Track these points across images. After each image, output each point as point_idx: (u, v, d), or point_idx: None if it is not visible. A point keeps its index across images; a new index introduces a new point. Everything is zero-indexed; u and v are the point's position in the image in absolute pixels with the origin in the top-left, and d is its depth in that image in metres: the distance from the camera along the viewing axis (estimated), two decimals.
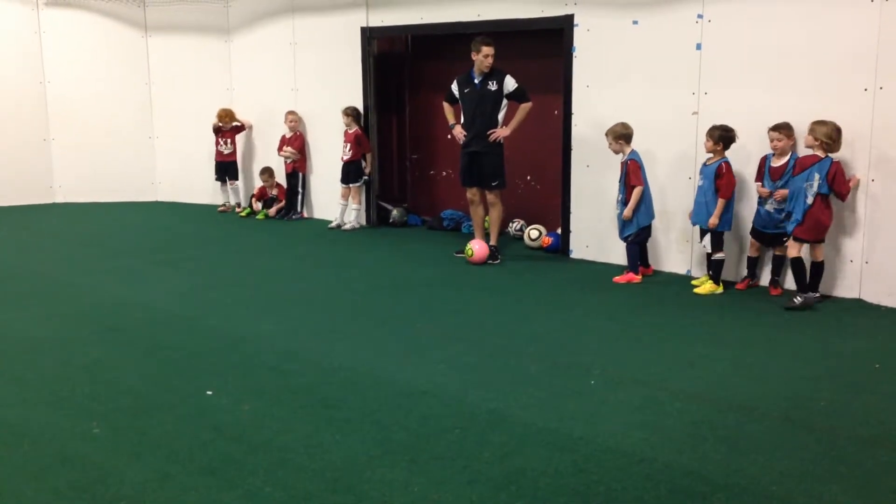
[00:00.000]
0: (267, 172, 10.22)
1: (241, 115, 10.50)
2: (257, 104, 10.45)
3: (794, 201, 5.79)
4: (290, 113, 9.82)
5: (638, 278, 6.63)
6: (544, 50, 8.05)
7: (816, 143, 5.71)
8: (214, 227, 9.59)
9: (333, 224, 9.42)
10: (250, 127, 10.57)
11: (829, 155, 5.70)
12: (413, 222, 9.60)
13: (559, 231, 7.85)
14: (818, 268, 5.90)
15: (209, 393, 4.26)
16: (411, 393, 4.25)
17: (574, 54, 7.39)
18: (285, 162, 9.90)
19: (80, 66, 11.08)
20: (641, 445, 3.62)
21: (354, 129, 9.15)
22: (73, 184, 11.26)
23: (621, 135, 6.61)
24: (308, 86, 9.86)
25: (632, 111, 6.93)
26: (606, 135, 6.69)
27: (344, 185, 9.30)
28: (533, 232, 8.15)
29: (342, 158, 9.24)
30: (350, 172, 9.24)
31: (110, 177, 11.27)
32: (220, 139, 10.44)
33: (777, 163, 6.08)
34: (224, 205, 10.61)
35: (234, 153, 10.53)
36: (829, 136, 5.66)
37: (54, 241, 8.81)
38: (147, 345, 5.12)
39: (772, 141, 6.03)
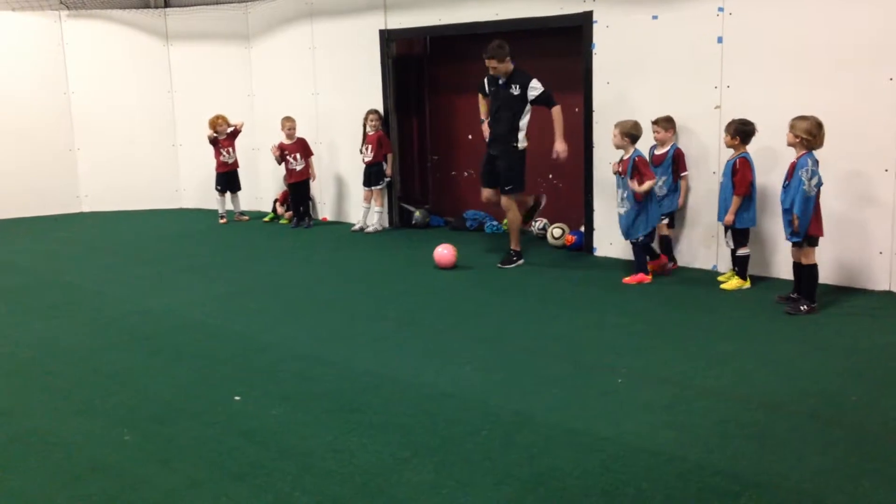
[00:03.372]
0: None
1: (233, 121, 10.34)
2: (277, 109, 10.50)
3: (798, 207, 5.43)
4: (287, 119, 9.70)
5: (648, 278, 6.53)
6: (563, 48, 8.02)
7: (797, 141, 5.46)
8: (237, 234, 9.65)
9: (356, 227, 9.45)
10: (240, 129, 10.41)
11: (812, 151, 5.44)
12: (436, 223, 9.61)
13: (582, 229, 7.82)
14: (814, 271, 5.65)
15: (237, 399, 4.29)
16: (436, 396, 4.26)
17: (594, 51, 7.36)
18: (290, 171, 9.74)
19: (103, 76, 11.20)
20: (669, 444, 3.60)
21: (376, 131, 9.16)
22: (99, 193, 11.39)
23: (629, 133, 6.41)
24: (328, 89, 9.90)
25: (654, 107, 6.89)
26: (616, 126, 6.51)
27: (366, 188, 9.32)
28: (556, 231, 8.12)
29: (364, 161, 9.26)
30: (372, 175, 9.26)
31: (135, 185, 11.39)
32: (219, 149, 10.25)
33: (659, 151, 6.79)
34: (223, 217, 10.38)
35: (236, 161, 10.39)
36: (810, 131, 5.40)
37: (82, 249, 8.92)
38: (174, 352, 5.17)
39: (654, 133, 6.73)
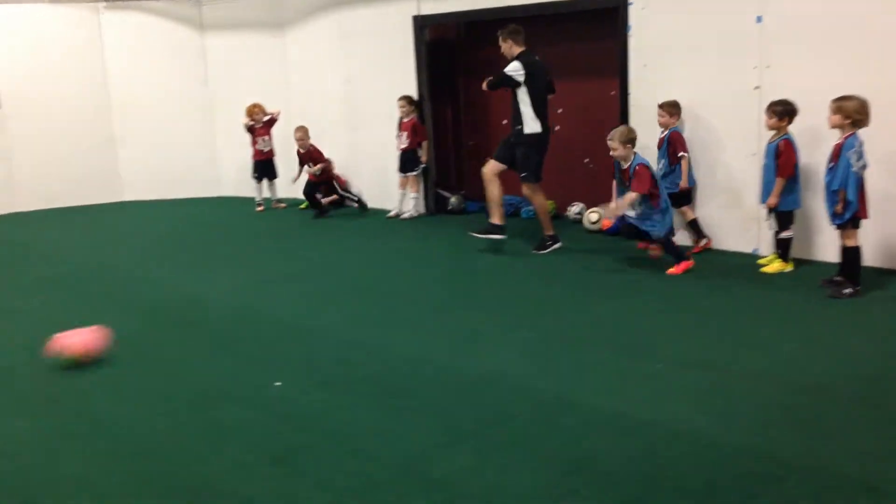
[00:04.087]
0: (326, 163, 10.31)
1: (269, 110, 10.40)
2: (312, 97, 10.55)
3: (851, 190, 5.29)
4: (299, 129, 9.71)
5: (691, 262, 6.36)
6: (598, 30, 7.95)
7: (846, 122, 5.30)
8: (275, 221, 9.74)
9: (392, 213, 9.48)
10: (277, 118, 10.46)
11: (857, 132, 5.32)
12: (472, 209, 9.60)
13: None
14: (857, 254, 5.52)
15: (278, 384, 4.34)
16: (475, 380, 4.27)
17: (629, 33, 7.28)
18: (312, 175, 9.79)
19: (141, 67, 11.35)
20: (711, 429, 3.58)
21: (411, 117, 9.17)
22: (140, 182, 11.57)
23: (629, 139, 6.20)
24: (361, 76, 9.91)
25: (692, 88, 6.81)
26: (610, 139, 6.25)
27: (402, 175, 9.34)
28: (592, 215, 8.07)
29: (399, 147, 9.28)
30: (407, 161, 9.27)
31: (175, 174, 11.54)
32: (256, 137, 10.35)
33: (661, 135, 6.89)
34: (261, 204, 10.47)
35: (272, 149, 10.48)
36: (860, 111, 5.26)
37: (125, 238, 9.06)
38: (217, 338, 5.25)
39: (658, 117, 6.85)
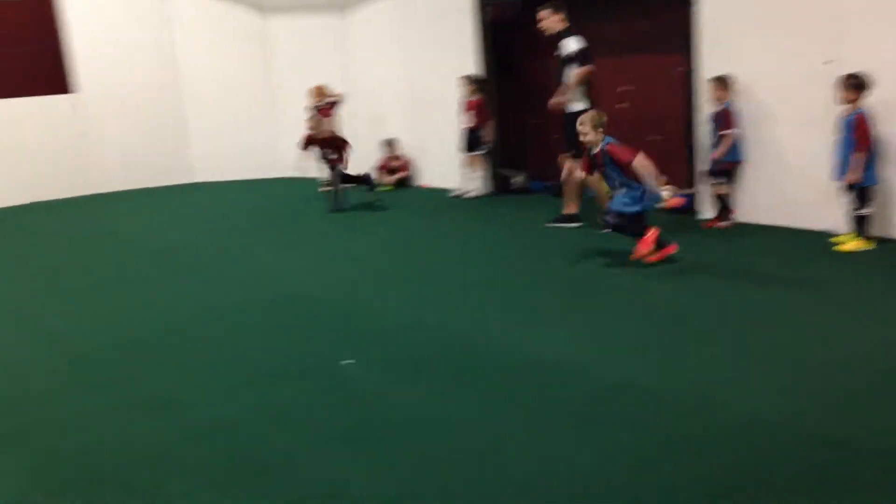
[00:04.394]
0: (389, 144, 10.37)
1: (335, 90, 10.49)
2: (373, 78, 10.60)
3: None
4: (312, 118, 9.26)
5: (648, 246, 5.89)
6: (667, 4, 7.76)
7: None
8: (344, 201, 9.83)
9: (456, 193, 9.48)
10: (343, 100, 10.55)
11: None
12: (536, 188, 9.53)
13: (688, 191, 7.59)
14: None
15: (345, 362, 4.38)
16: (539, 363, 4.24)
17: (697, 6, 7.09)
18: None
19: (207, 50, 11.61)
20: (790, 414, 3.47)
21: (474, 97, 9.13)
22: (210, 163, 11.85)
23: (600, 123, 5.97)
24: (422, 57, 9.91)
25: (762, 62, 6.60)
26: (580, 125, 6.02)
27: (465, 154, 9.32)
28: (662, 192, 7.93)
29: (462, 127, 9.25)
30: (471, 141, 9.25)
31: (242, 155, 11.79)
32: (320, 118, 10.42)
33: (714, 109, 6.82)
34: (327, 183, 10.63)
35: (335, 131, 10.52)
36: None
37: (197, 218, 9.29)
38: (285, 317, 5.34)
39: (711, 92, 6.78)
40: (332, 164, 9.09)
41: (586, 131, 5.95)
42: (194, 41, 11.58)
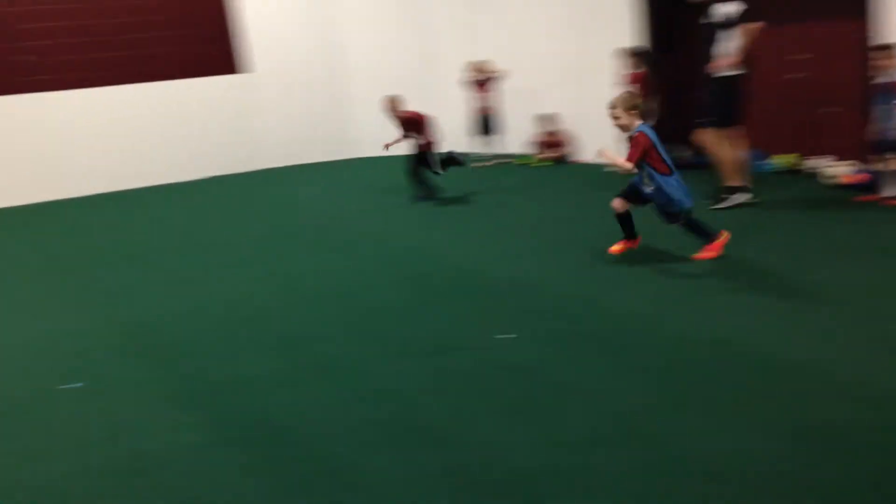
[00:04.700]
0: (546, 119, 10.30)
1: (494, 66, 10.50)
2: (529, 51, 10.52)
3: None
4: (390, 99, 8.74)
5: (714, 252, 5.46)
6: None
7: None
8: (495, 176, 9.88)
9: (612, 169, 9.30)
10: (502, 76, 10.55)
11: None
12: (700, 163, 9.17)
13: (869, 167, 7.08)
14: None
15: (505, 336, 4.41)
16: (702, 343, 4.10)
17: None
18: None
19: (368, 27, 11.96)
20: None
21: (637, 69, 8.88)
22: (373, 139, 12.22)
23: (632, 106, 5.42)
24: (583, 29, 9.73)
25: None
26: (612, 107, 5.49)
27: None
28: (829, 170, 7.44)
29: None
30: None
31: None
32: (478, 92, 10.54)
33: (882, 80, 6.32)
34: (482, 160, 10.62)
35: (493, 106, 10.59)
36: None
37: (357, 192, 9.62)
38: (442, 288, 5.45)
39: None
40: (422, 149, 8.52)
41: (618, 115, 5.41)
42: (356, 18, 11.94)
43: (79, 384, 4.22)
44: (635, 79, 8.87)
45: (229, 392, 3.99)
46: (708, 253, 5.47)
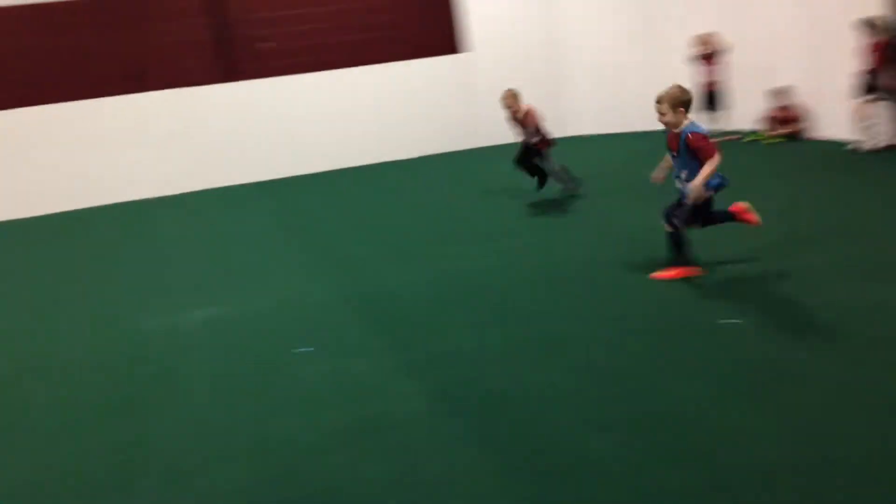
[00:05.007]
0: (779, 93, 9.72)
1: (721, 39, 10.02)
2: (759, 24, 9.94)
3: None
4: (508, 95, 8.02)
5: (675, 275, 5.06)
6: None
7: None
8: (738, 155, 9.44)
9: (853, 145, 8.60)
10: (729, 49, 10.05)
11: None
12: None
13: None
14: None
15: (730, 322, 4.26)
16: None
17: None
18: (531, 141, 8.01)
19: (586, 5, 11.85)
20: None
21: (879, 37, 8.13)
22: (585, 118, 12.18)
23: (681, 102, 4.89)
24: None
25: None
26: (658, 102, 4.95)
27: (858, 99, 8.37)
28: None
29: (861, 70, 8.31)
30: (870, 84, 8.27)
31: (615, 109, 11.93)
32: (704, 67, 10.14)
33: None
34: (735, 133, 10.25)
35: (719, 81, 10.14)
36: None
37: (578, 170, 9.50)
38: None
39: None
40: (538, 149, 7.96)
41: (664, 111, 4.95)
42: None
43: (310, 349, 4.57)
44: (876, 48, 8.13)
45: (456, 364, 4.12)
46: (669, 273, 5.11)
